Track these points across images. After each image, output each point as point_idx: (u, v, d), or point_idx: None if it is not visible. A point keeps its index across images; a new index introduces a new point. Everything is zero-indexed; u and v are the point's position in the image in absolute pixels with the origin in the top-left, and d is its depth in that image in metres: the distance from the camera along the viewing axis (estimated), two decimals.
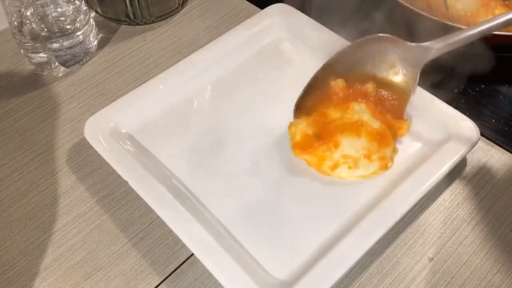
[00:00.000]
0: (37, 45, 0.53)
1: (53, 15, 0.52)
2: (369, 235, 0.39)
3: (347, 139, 0.44)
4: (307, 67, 0.52)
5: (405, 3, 0.52)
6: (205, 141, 0.47)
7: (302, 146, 0.45)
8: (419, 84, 0.48)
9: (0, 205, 0.45)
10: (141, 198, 0.42)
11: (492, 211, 0.44)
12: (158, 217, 0.41)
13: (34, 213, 0.45)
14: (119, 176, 0.43)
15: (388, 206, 0.40)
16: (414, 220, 0.43)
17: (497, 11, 0.55)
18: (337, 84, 0.47)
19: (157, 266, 0.41)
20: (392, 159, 0.44)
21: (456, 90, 0.52)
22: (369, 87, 0.47)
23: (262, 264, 0.39)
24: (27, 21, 0.51)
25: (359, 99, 0.46)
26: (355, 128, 0.44)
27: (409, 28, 0.54)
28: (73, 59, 0.55)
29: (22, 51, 0.55)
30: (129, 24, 0.60)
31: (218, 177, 0.45)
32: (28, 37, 0.52)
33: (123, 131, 0.47)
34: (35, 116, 0.52)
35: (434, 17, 0.51)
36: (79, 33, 0.54)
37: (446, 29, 0.51)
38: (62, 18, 0.52)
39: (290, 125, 0.46)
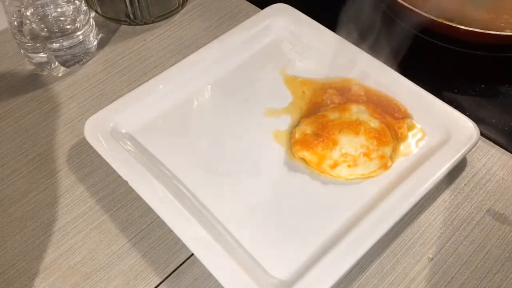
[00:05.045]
0: (37, 45, 0.53)
1: (53, 15, 0.52)
2: (369, 235, 0.39)
3: (346, 137, 0.44)
4: (307, 67, 0.52)
5: (405, 3, 0.52)
6: (205, 141, 0.47)
7: (301, 143, 0.45)
8: (419, 84, 0.48)
9: (0, 205, 0.45)
10: (141, 198, 0.42)
11: (492, 211, 0.44)
12: (158, 217, 0.41)
13: (34, 213, 0.45)
14: (119, 176, 0.43)
15: (388, 206, 0.40)
16: (414, 220, 0.43)
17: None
18: (330, 93, 0.48)
19: (157, 266, 0.41)
20: (392, 158, 0.44)
21: (456, 90, 0.52)
22: (356, 89, 0.48)
23: (262, 264, 0.39)
24: (27, 21, 0.51)
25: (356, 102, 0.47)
26: (354, 126, 0.44)
27: (409, 28, 0.54)
28: (73, 59, 0.55)
29: (22, 51, 0.55)
30: (129, 24, 0.60)
31: (218, 177, 0.45)
32: (28, 37, 0.52)
33: (123, 131, 0.47)
34: (35, 116, 0.52)
35: (434, 17, 0.51)
36: (79, 33, 0.53)
37: (446, 29, 0.51)
38: (62, 18, 0.52)
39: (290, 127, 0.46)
